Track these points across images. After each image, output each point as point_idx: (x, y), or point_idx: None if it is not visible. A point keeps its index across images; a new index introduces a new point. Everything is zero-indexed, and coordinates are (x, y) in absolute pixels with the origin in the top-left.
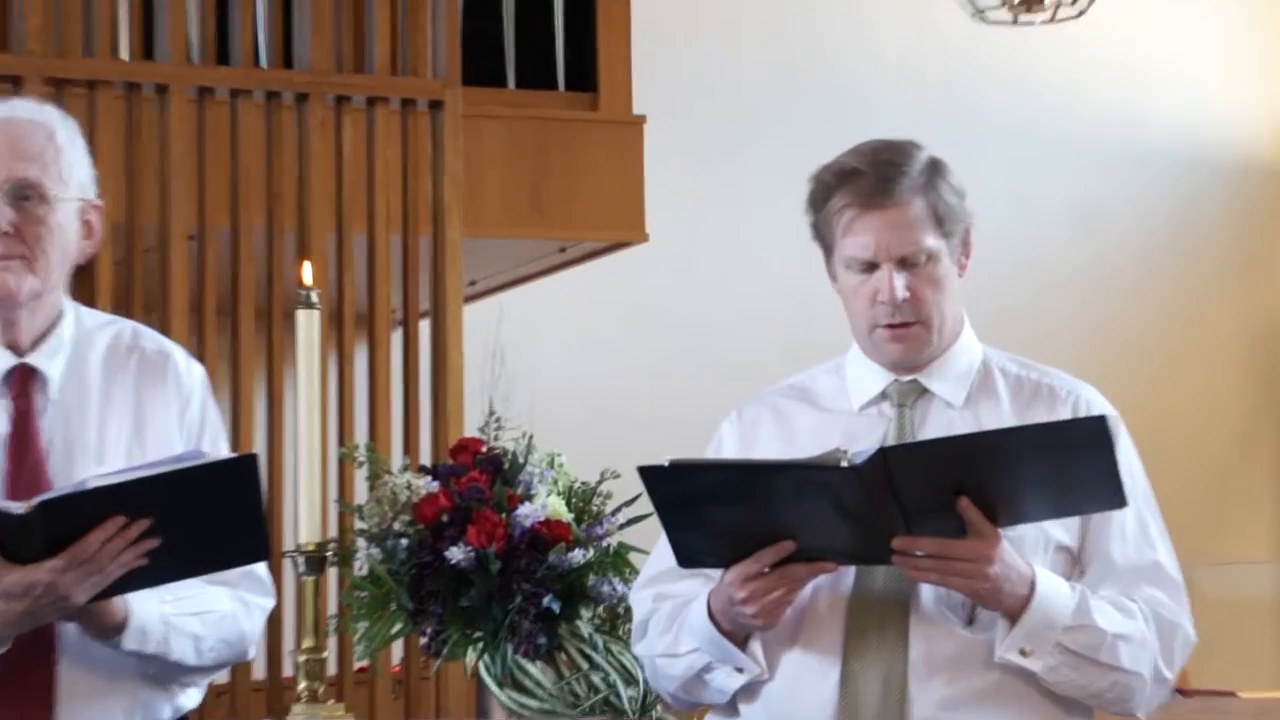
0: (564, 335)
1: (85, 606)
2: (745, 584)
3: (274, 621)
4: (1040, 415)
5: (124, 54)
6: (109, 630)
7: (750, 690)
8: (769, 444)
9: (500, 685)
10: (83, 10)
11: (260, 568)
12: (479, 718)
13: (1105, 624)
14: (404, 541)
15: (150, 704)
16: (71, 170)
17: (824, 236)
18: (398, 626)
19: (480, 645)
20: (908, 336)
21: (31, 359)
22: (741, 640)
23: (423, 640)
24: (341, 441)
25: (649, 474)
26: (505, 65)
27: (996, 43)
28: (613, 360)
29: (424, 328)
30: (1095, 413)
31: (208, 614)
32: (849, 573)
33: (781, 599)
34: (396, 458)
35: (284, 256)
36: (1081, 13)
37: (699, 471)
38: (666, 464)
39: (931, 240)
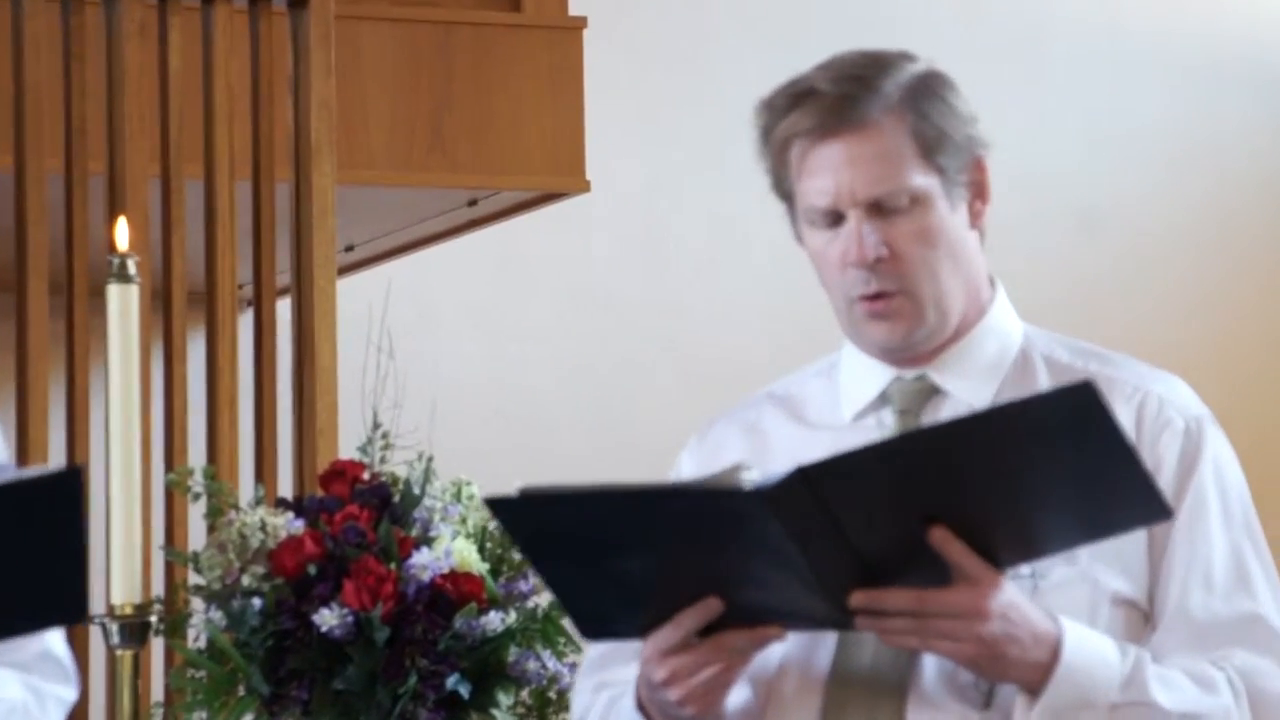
0: (474, 320)
1: None
2: (665, 659)
3: (79, 713)
4: None
5: None
6: None
7: None
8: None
9: None
10: None
11: (58, 644)
12: None
13: (1169, 702)
14: (256, 602)
15: None
16: None
17: (780, 183)
18: (249, 718)
19: None
20: (890, 311)
21: None
22: None
23: None
24: (169, 465)
25: (500, 508)
26: None
27: None
28: (541, 354)
29: (283, 309)
30: (1169, 413)
31: None
32: (827, 644)
33: (716, 679)
34: (246, 487)
35: (89, 212)
36: None
37: (560, 503)
38: (516, 493)
39: (917, 177)
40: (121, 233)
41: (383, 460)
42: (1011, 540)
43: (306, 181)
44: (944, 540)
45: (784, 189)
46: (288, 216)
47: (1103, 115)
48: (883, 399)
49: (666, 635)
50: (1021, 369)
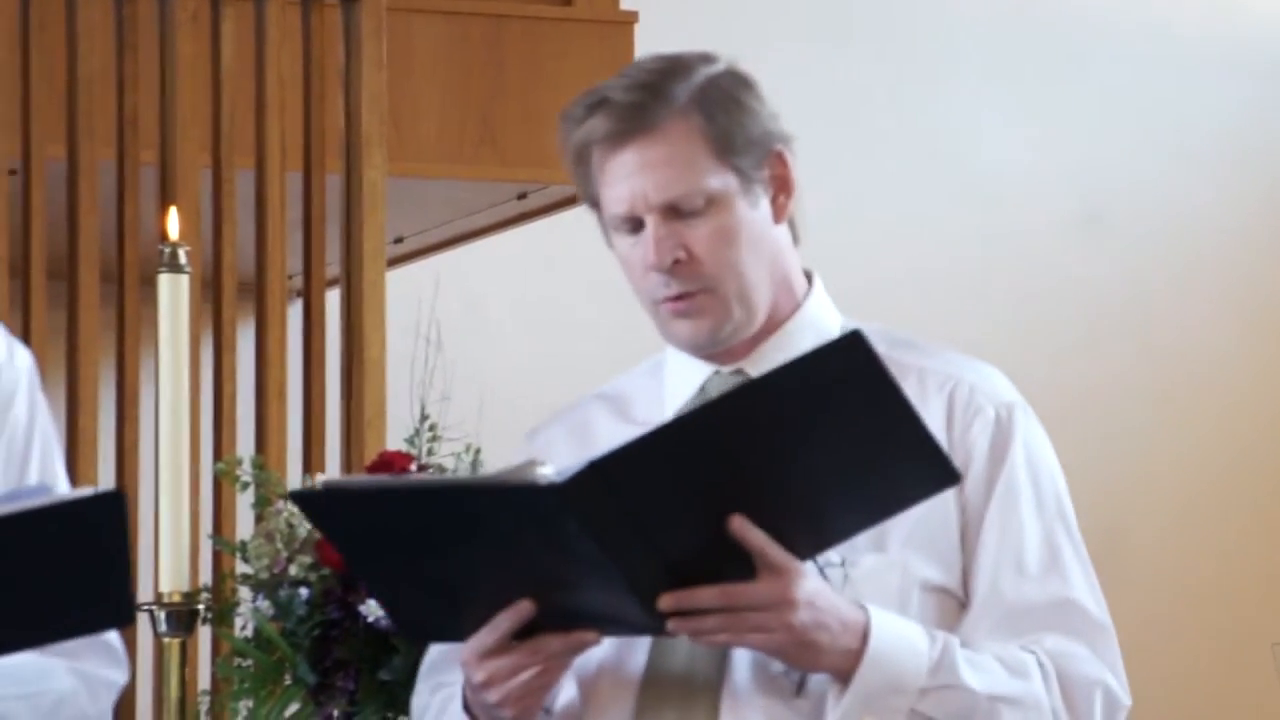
0: (522, 313)
1: None
2: (483, 662)
3: (126, 699)
4: None
5: None
6: None
7: None
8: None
9: None
10: None
11: (110, 632)
12: None
13: (979, 685)
14: (304, 592)
15: None
16: None
17: (586, 191)
18: (294, 708)
19: None
20: (693, 310)
21: None
22: None
23: None
24: (218, 455)
25: (304, 502)
26: None
27: None
28: (589, 349)
29: (332, 300)
30: (979, 399)
31: (39, 695)
32: (641, 646)
33: (533, 682)
34: (294, 477)
35: (141, 201)
36: None
37: (361, 498)
38: (320, 487)
39: (711, 178)
40: (173, 222)
41: (430, 452)
42: (808, 524)
43: (357, 174)
44: (743, 529)
45: (590, 196)
46: (338, 208)
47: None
48: (702, 394)
49: (483, 638)
50: None
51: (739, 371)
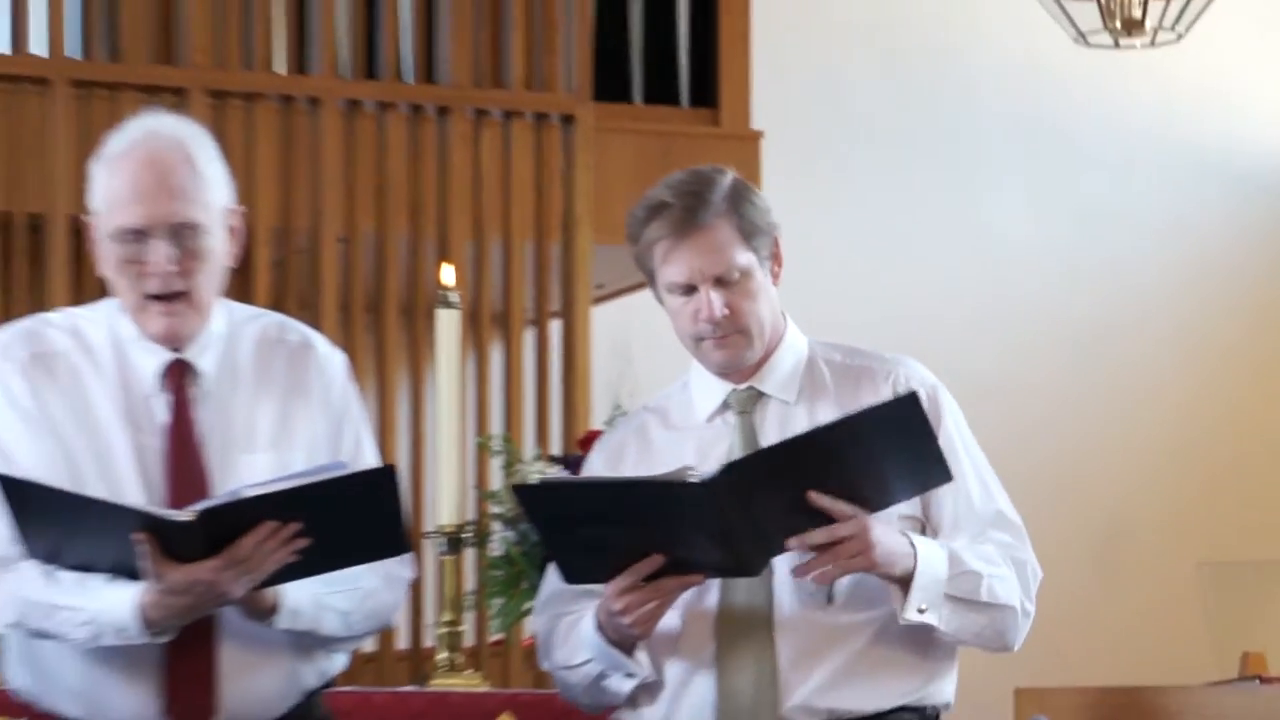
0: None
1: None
2: (621, 596)
3: (416, 596)
4: (867, 397)
5: (279, 68)
6: (264, 614)
7: (649, 690)
8: (633, 466)
9: None
10: (241, 28)
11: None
12: None
13: (978, 566)
14: None
15: (299, 671)
16: (213, 190)
17: (645, 265)
18: (529, 603)
19: None
20: (729, 344)
21: (185, 354)
22: (629, 648)
23: None
24: (479, 432)
25: (522, 493)
26: (631, 82)
27: (1096, 65)
28: None
29: (555, 327)
30: (913, 385)
31: (354, 590)
32: (713, 590)
33: (655, 610)
34: (529, 447)
35: (426, 260)
36: (1180, 37)
37: (566, 489)
38: (538, 482)
39: (742, 257)
40: (448, 275)
41: None
42: (858, 500)
43: (571, 242)
44: (819, 498)
45: (647, 269)
46: (560, 265)
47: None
48: (725, 405)
49: (623, 580)
50: (811, 370)
51: (750, 388)
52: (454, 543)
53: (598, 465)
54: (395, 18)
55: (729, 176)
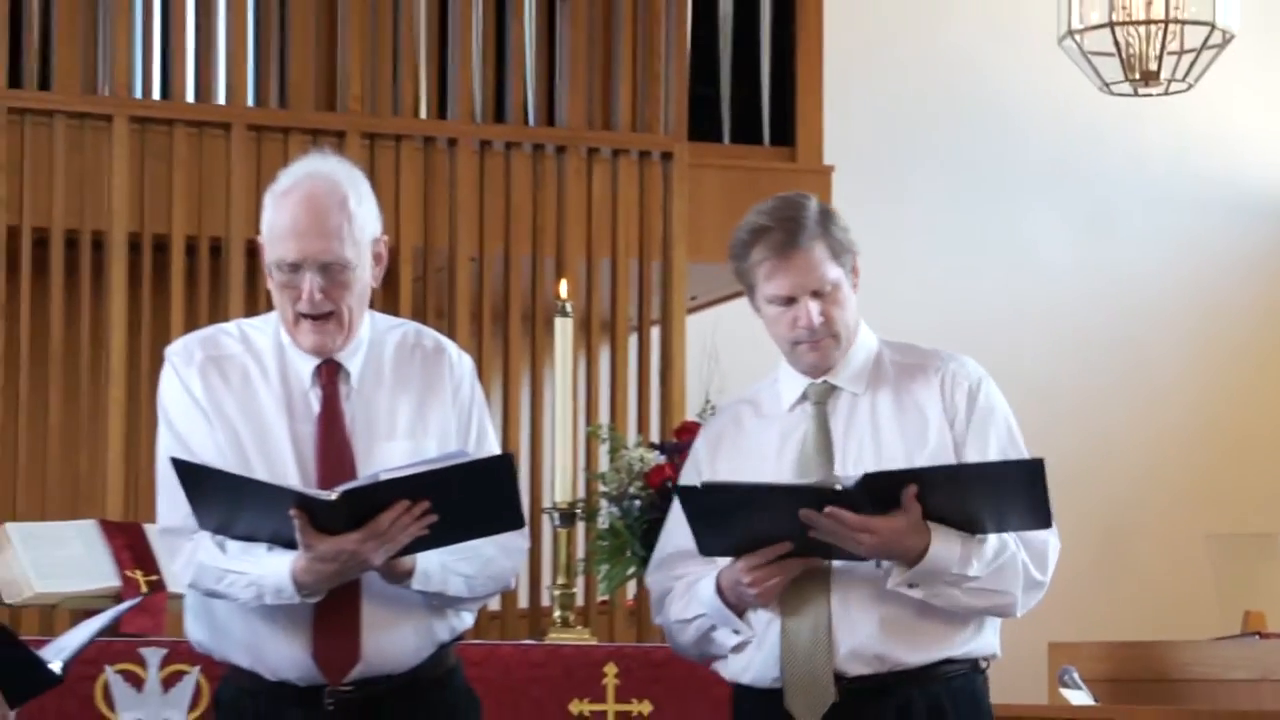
0: (766, 341)
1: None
2: (752, 572)
3: (535, 563)
4: (919, 389)
5: (423, 114)
6: (400, 577)
7: (738, 645)
8: (729, 450)
9: None
10: (392, 79)
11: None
12: None
13: (978, 569)
14: (637, 502)
15: (432, 627)
16: (364, 229)
17: (746, 280)
18: (632, 569)
19: None
20: (821, 347)
21: (336, 357)
22: (742, 611)
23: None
24: (589, 422)
25: (686, 493)
26: (721, 124)
27: (1119, 110)
28: None
29: (655, 333)
30: (960, 378)
31: (475, 557)
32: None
33: (778, 584)
34: (632, 436)
35: (545, 276)
36: (1190, 86)
37: (725, 491)
38: (701, 486)
39: (833, 272)
40: (563, 289)
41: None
42: (962, 524)
43: (670, 261)
44: (912, 500)
45: (749, 284)
46: (659, 280)
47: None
48: (804, 396)
49: (755, 559)
50: (877, 366)
51: (825, 382)
52: (567, 517)
53: (701, 449)
54: (522, 70)
55: (814, 202)
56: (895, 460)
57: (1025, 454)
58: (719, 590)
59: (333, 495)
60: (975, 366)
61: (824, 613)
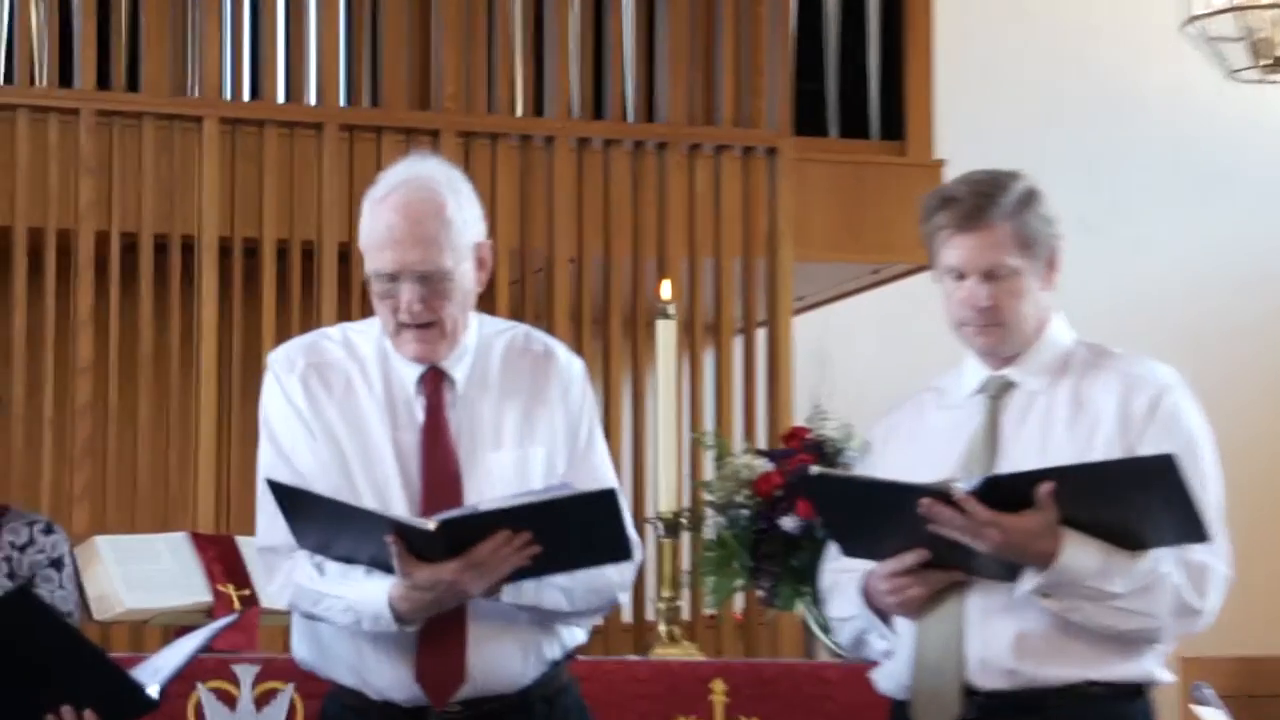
0: (878, 342)
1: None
2: (890, 579)
3: (639, 575)
4: (1100, 393)
5: (519, 111)
6: (491, 588)
7: (886, 652)
8: (902, 440)
9: (825, 631)
10: (487, 77)
11: (630, 528)
12: (806, 658)
13: (1121, 586)
14: (745, 512)
15: (540, 644)
16: (463, 234)
17: (928, 245)
18: (739, 581)
19: (808, 598)
20: (986, 334)
21: (442, 364)
22: (887, 617)
23: (760, 593)
24: (694, 429)
25: (804, 481)
26: (827, 118)
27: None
28: (919, 362)
29: (761, 335)
30: (1144, 384)
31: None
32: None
33: (918, 596)
34: (738, 443)
35: (646, 276)
36: None
37: (837, 484)
38: (813, 474)
39: (1013, 259)
40: (666, 290)
41: (821, 427)
42: (1113, 538)
43: (775, 259)
44: (1048, 498)
45: (931, 250)
46: (764, 280)
47: None
48: (982, 387)
49: (891, 566)
50: (1064, 364)
51: (1002, 376)
52: (672, 527)
53: (876, 438)
54: (620, 65)
55: (1022, 184)
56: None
57: (1210, 475)
58: (864, 591)
59: (431, 525)
60: (1167, 373)
61: (957, 622)
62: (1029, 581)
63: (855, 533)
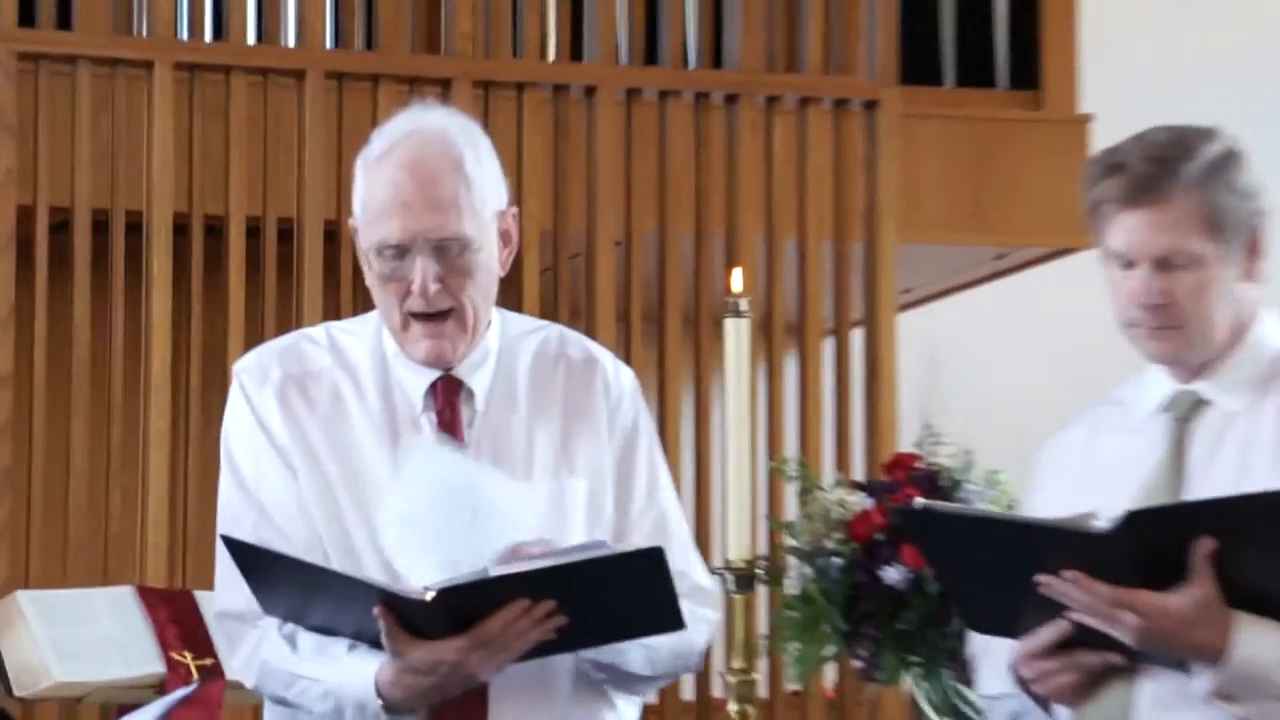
0: (1002, 347)
1: None
2: (1030, 662)
3: None
4: None
5: (551, 55)
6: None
7: None
8: (1072, 467)
9: (939, 713)
10: (511, 12)
11: (705, 578)
12: None
13: None
14: (837, 560)
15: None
16: (484, 198)
17: (1092, 223)
18: (831, 648)
19: (918, 671)
20: (1163, 337)
21: (456, 371)
22: (1045, 701)
23: (857, 663)
24: (771, 455)
25: (905, 516)
26: (942, 63)
27: None
28: (1057, 375)
29: (856, 337)
30: None
31: None
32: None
33: (1071, 684)
34: (828, 473)
35: (712, 262)
36: None
37: (943, 521)
38: (916, 507)
39: (1196, 244)
40: (736, 280)
41: (932, 453)
42: (1250, 589)
43: (874, 241)
44: (1202, 551)
45: (1096, 229)
46: (859, 267)
47: None
48: (1166, 406)
49: (1031, 644)
50: (1270, 379)
51: (1191, 392)
52: (745, 580)
53: (1040, 469)
54: None
55: (1217, 147)
56: None
57: None
58: (1014, 669)
59: (428, 594)
60: None
61: (1124, 715)
62: (1202, 682)
63: (977, 593)
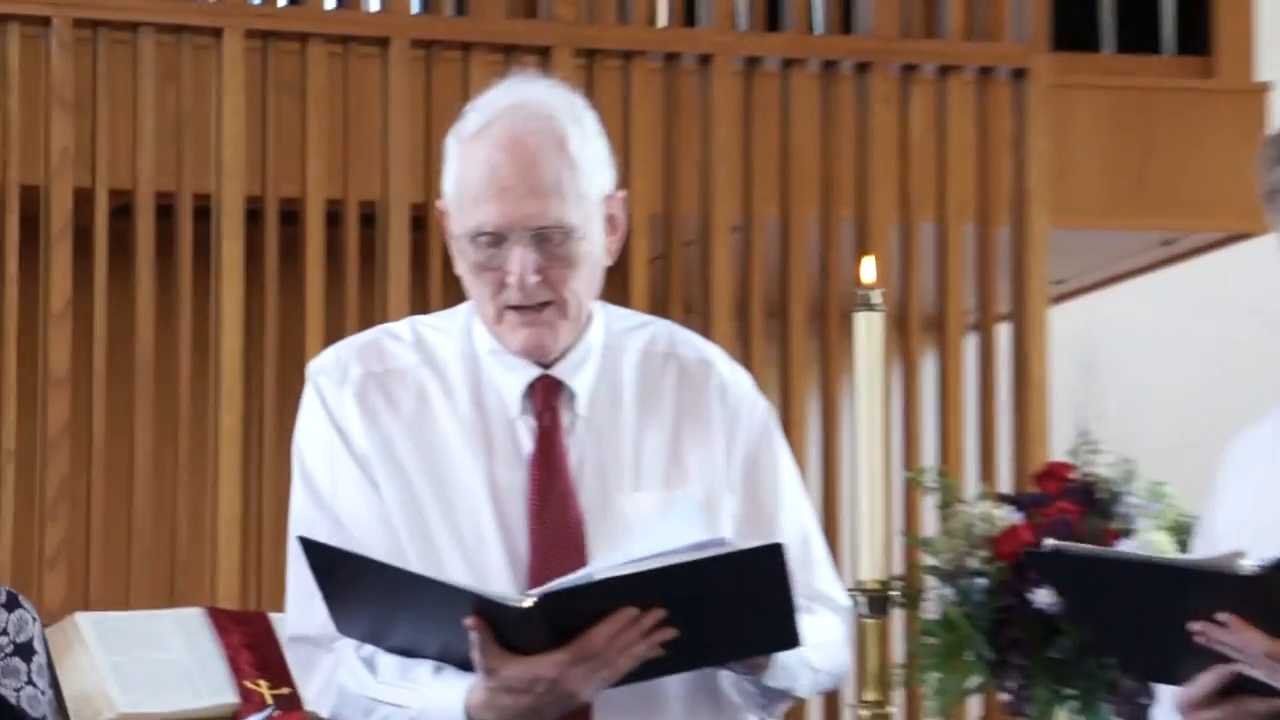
0: (1167, 344)
1: None
2: (1193, 713)
3: None
4: None
5: (662, 21)
6: (752, 667)
7: None
8: (1254, 475)
9: None
10: None
11: (838, 590)
12: None
13: None
14: (981, 581)
15: None
16: (590, 181)
17: (1270, 207)
18: (975, 679)
19: (1073, 705)
20: None
21: (556, 371)
22: None
23: (1004, 696)
24: (907, 464)
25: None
26: (1099, 27)
27: None
28: (1229, 376)
29: (1003, 333)
30: None
31: (826, 645)
32: None
33: None
34: (971, 484)
35: (840, 251)
36: None
37: (1073, 564)
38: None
39: None
40: (868, 269)
41: (1089, 463)
42: None
43: (1023, 225)
44: None
45: (1272, 218)
46: (1006, 255)
47: None
48: None
49: (1191, 691)
50: None
51: None
52: (878, 603)
53: (1224, 471)
54: None
55: None
56: None
57: None
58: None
59: (526, 600)
60: None
61: None
62: None
63: (1123, 637)
